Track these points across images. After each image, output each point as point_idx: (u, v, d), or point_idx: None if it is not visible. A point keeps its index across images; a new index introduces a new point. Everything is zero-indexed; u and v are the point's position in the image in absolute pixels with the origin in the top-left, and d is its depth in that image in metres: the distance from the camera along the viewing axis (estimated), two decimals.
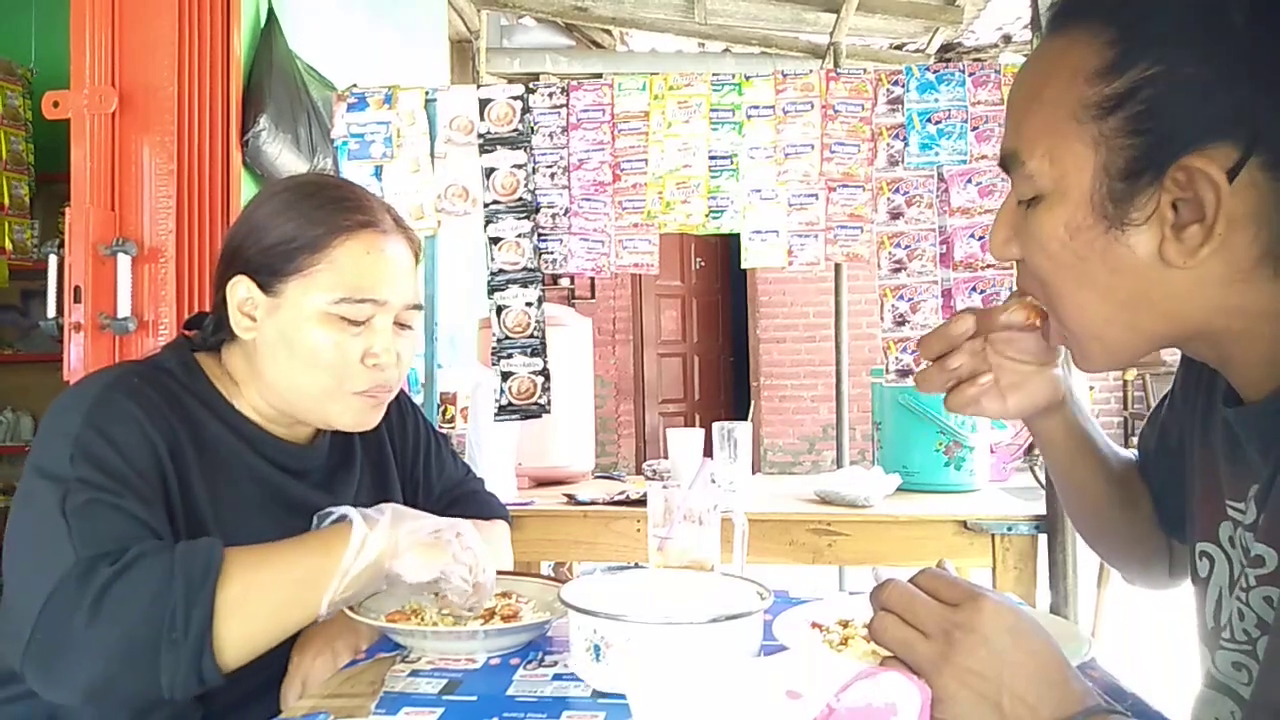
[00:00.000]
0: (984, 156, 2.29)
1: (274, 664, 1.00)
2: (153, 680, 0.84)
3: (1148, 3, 0.65)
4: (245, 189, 2.70)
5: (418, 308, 1.12)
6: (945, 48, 6.36)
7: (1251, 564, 0.70)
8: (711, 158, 2.39)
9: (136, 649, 0.84)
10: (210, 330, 1.11)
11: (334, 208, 1.06)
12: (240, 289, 1.05)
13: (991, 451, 2.43)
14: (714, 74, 2.43)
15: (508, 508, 1.41)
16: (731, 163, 2.39)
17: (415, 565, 0.95)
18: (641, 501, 2.00)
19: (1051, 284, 0.71)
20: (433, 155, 2.46)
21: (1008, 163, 0.72)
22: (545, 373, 2.43)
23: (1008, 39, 6.70)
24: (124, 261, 2.32)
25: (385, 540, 0.94)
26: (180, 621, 0.84)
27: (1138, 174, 0.64)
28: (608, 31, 5.91)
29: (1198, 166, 0.62)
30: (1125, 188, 0.65)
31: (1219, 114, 0.62)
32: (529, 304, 2.44)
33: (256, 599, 0.89)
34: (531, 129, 2.44)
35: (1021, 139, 0.70)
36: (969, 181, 2.29)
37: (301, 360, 1.04)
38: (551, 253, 2.46)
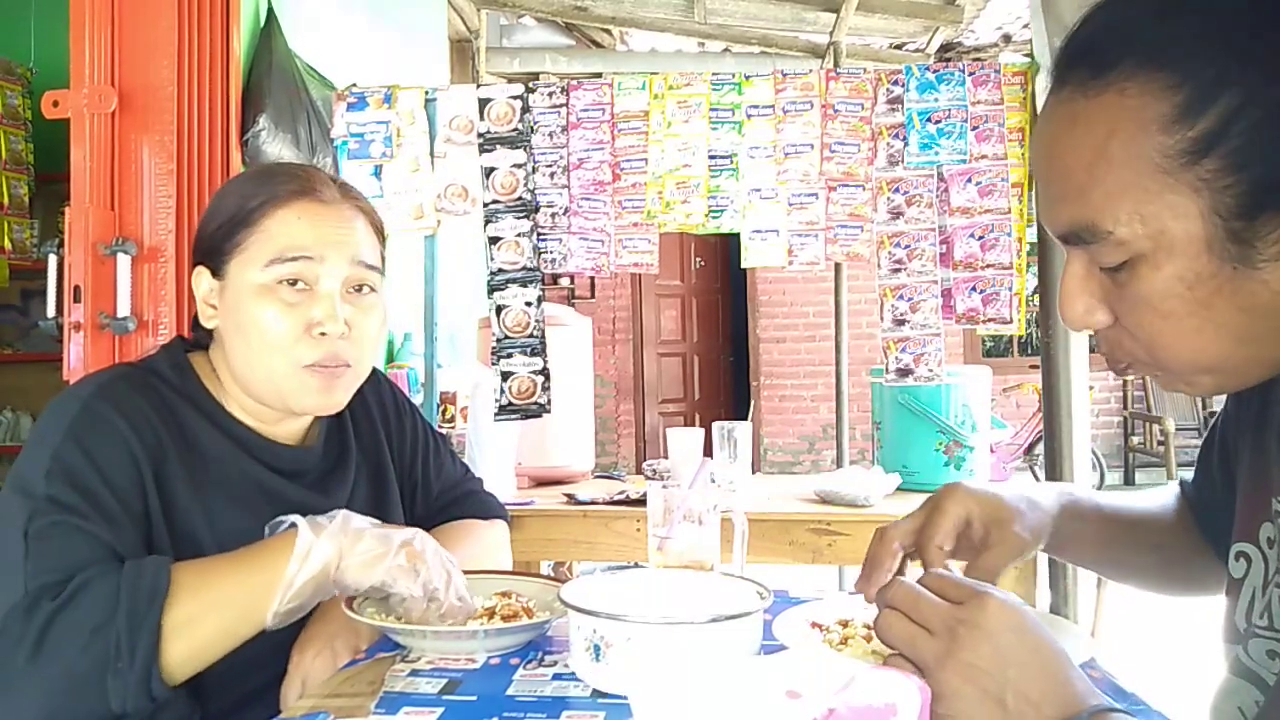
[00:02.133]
0: (984, 156, 2.29)
1: (274, 664, 0.99)
2: (102, 707, 0.84)
3: (1192, 39, 0.62)
4: None
5: (371, 268, 1.06)
6: (945, 47, 6.36)
7: None
8: (711, 157, 2.39)
9: (80, 682, 0.83)
10: (193, 327, 1.11)
11: (269, 180, 1.05)
12: (203, 280, 1.06)
13: (991, 451, 2.43)
14: (714, 74, 2.43)
15: (507, 507, 1.40)
16: (731, 162, 2.39)
17: (358, 573, 0.91)
18: (641, 501, 1.99)
19: (1162, 338, 0.67)
20: (432, 155, 2.46)
21: (1082, 235, 0.66)
22: (545, 372, 2.43)
23: (1008, 38, 6.71)
24: (124, 261, 2.32)
25: (332, 547, 0.91)
26: (125, 650, 0.83)
27: (1258, 209, 0.61)
28: (607, 31, 5.91)
29: None
30: (1246, 226, 0.61)
31: None
32: (528, 303, 2.44)
33: (203, 619, 0.88)
34: (531, 128, 2.44)
35: (1094, 207, 0.65)
36: (969, 181, 2.29)
37: (249, 339, 1.02)
38: (551, 252, 2.46)
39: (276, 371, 1.03)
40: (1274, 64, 0.59)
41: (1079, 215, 0.66)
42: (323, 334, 1.02)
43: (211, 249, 1.04)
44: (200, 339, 1.12)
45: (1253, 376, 0.68)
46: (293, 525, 0.92)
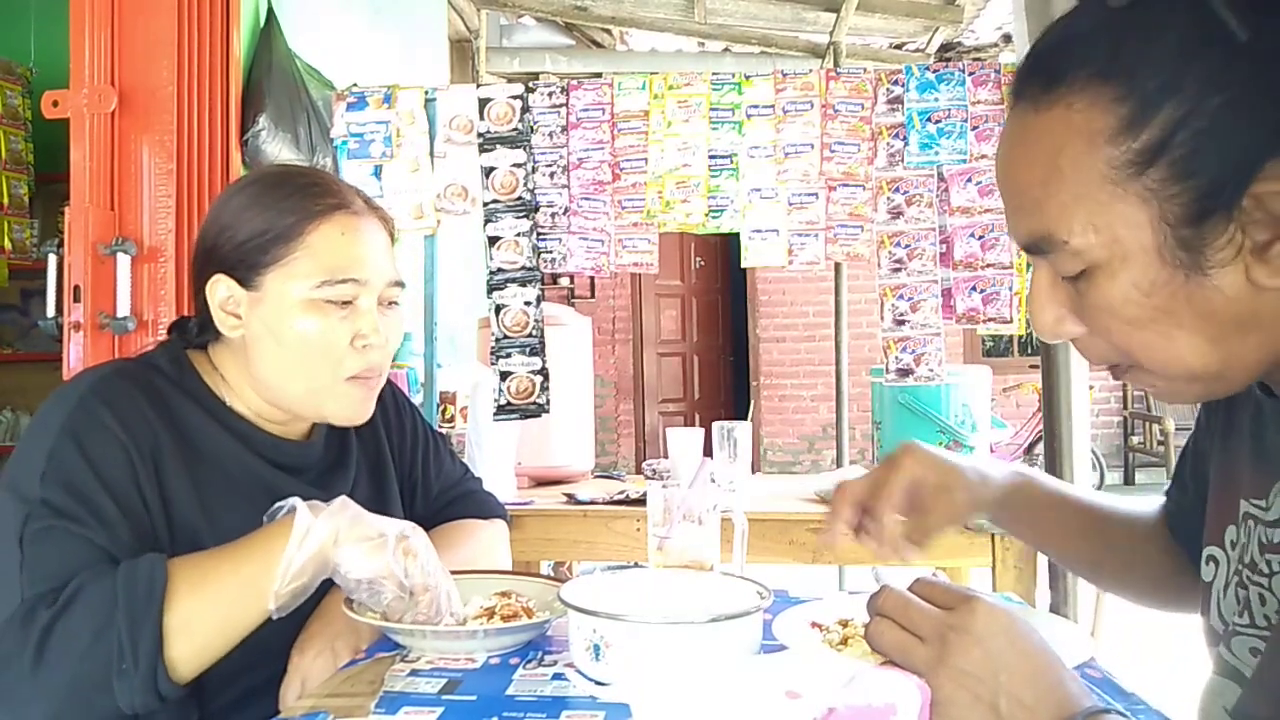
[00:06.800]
0: (984, 156, 2.29)
1: (274, 664, 0.99)
2: (110, 708, 0.85)
3: (1137, 50, 0.63)
4: None
5: (400, 285, 1.11)
6: (945, 47, 6.36)
7: (1274, 550, 0.70)
8: (711, 157, 2.39)
9: (85, 687, 0.84)
10: (195, 333, 1.11)
11: (303, 194, 1.05)
12: (220, 288, 1.05)
13: (991, 450, 2.43)
14: (714, 73, 2.43)
15: (507, 507, 1.40)
16: (731, 162, 2.39)
17: (353, 558, 0.91)
18: (641, 501, 1.99)
19: (1134, 345, 0.68)
20: (432, 155, 2.46)
21: (1041, 246, 0.68)
22: (544, 372, 2.42)
23: (1008, 38, 6.70)
24: (123, 261, 2.32)
25: (329, 526, 0.91)
26: (129, 652, 0.84)
27: (1203, 216, 0.62)
28: (608, 31, 5.91)
29: (1269, 190, 0.60)
30: (1194, 233, 0.62)
31: (1264, 132, 0.60)
32: (527, 303, 2.44)
33: (204, 614, 0.88)
34: (531, 128, 2.44)
35: (1050, 219, 0.66)
36: (969, 181, 2.29)
37: (291, 350, 1.03)
38: (551, 252, 2.46)
39: (319, 382, 1.05)
40: (1212, 74, 0.60)
41: (1037, 226, 0.67)
42: (365, 346, 1.05)
43: (240, 262, 1.04)
44: (198, 342, 1.12)
45: (1238, 381, 0.68)
46: (291, 509, 0.92)
